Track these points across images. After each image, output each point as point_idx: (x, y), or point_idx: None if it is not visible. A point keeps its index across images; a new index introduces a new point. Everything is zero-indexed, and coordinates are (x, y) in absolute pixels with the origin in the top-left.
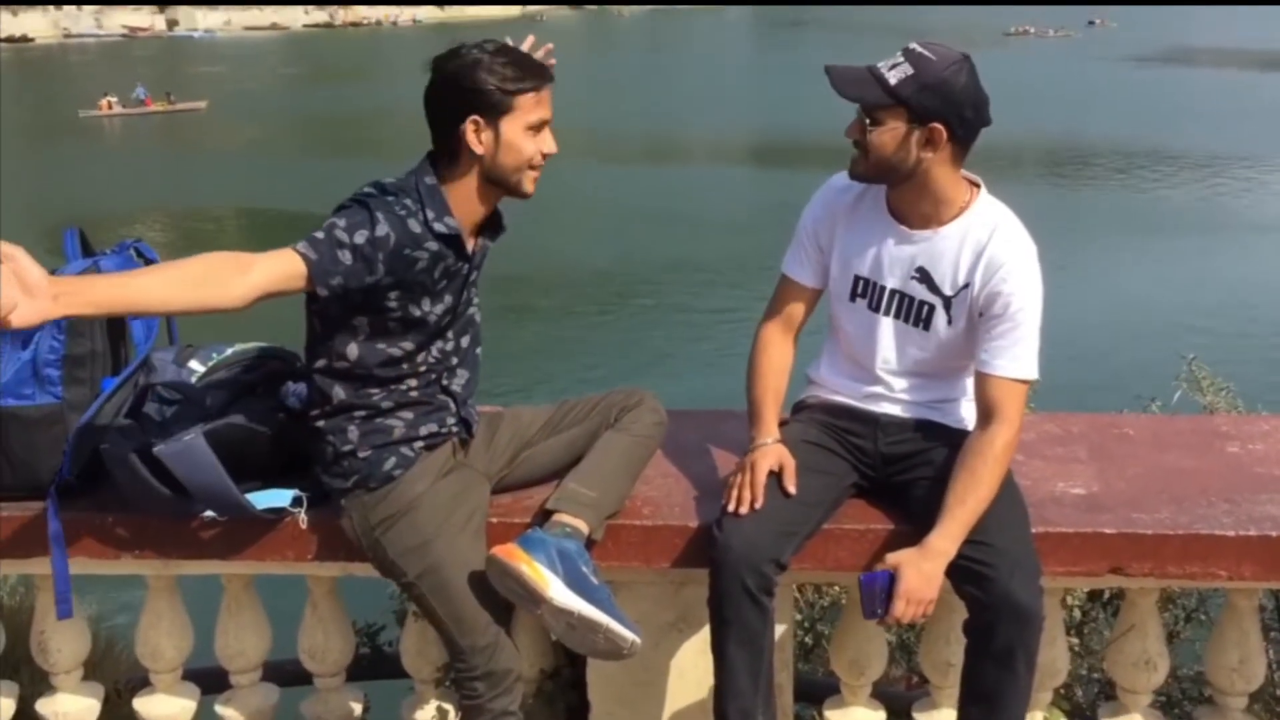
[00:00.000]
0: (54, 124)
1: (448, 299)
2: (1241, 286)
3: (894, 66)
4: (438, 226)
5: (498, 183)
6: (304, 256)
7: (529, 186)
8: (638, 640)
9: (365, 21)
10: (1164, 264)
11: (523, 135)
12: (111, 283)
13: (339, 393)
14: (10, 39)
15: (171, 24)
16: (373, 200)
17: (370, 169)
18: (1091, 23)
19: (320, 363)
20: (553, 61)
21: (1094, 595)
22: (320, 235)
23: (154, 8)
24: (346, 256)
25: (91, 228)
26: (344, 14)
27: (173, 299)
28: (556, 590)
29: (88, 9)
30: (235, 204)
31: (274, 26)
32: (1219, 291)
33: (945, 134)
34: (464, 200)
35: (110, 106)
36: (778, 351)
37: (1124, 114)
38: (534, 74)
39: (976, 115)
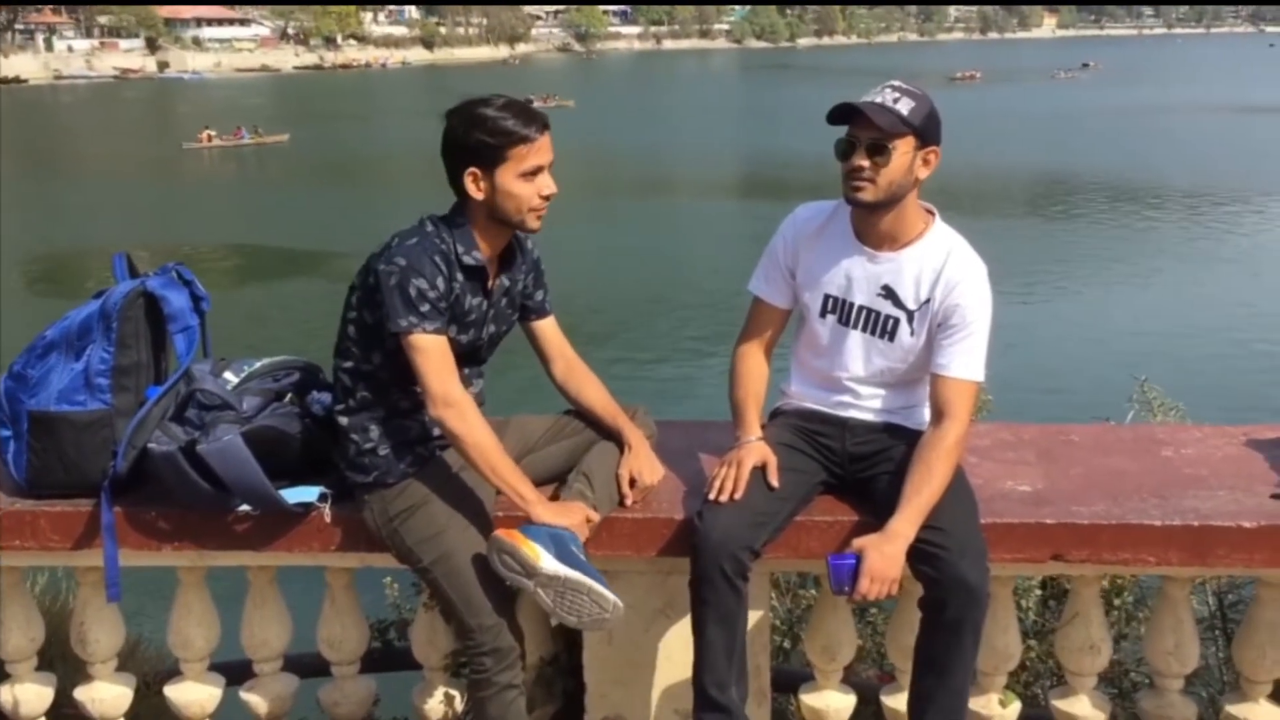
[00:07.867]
0: (163, 155)
1: (472, 332)
2: (1205, 311)
3: (897, 100)
4: (466, 259)
5: (504, 222)
6: (435, 333)
7: (533, 224)
8: (619, 603)
9: (355, 64)
10: (1136, 291)
11: (517, 182)
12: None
13: (362, 391)
14: (4, 80)
15: (162, 66)
16: (427, 244)
17: (390, 203)
18: (1085, 65)
19: (348, 363)
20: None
21: (1050, 591)
22: (417, 304)
23: (145, 50)
24: (434, 311)
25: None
26: (333, 56)
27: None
28: (547, 562)
29: (79, 51)
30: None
31: (264, 69)
32: (1180, 317)
33: (937, 156)
34: (480, 236)
35: (210, 139)
36: (755, 363)
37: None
38: (527, 125)
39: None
